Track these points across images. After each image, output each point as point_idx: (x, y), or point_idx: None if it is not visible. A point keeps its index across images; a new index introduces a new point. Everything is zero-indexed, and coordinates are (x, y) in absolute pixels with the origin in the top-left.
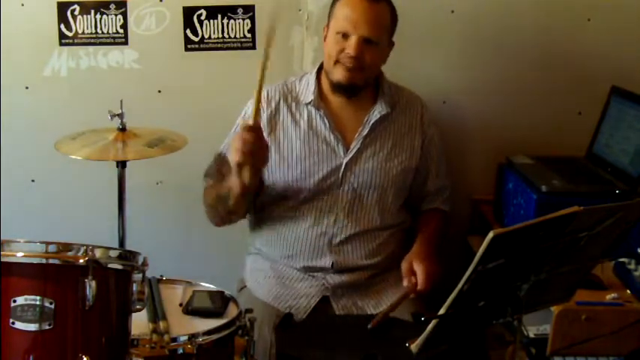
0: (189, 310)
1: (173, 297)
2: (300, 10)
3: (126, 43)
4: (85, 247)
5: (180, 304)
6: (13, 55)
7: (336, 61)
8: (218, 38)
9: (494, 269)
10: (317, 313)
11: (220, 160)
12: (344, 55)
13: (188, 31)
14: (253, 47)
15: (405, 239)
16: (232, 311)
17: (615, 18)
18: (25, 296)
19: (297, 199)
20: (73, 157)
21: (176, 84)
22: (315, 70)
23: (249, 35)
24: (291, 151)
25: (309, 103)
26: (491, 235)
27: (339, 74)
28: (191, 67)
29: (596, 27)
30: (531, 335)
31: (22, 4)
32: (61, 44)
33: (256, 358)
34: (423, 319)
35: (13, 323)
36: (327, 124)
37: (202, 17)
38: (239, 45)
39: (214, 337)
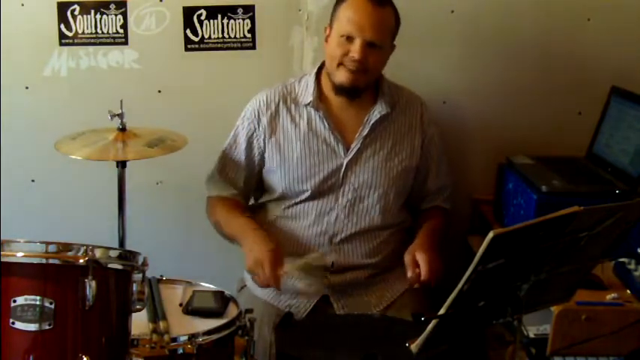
0: (189, 310)
1: (173, 297)
2: (300, 10)
3: (126, 43)
4: (85, 247)
5: (180, 304)
6: (13, 55)
7: (340, 64)
8: (218, 38)
9: (494, 269)
10: (317, 313)
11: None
12: (348, 58)
13: (188, 31)
14: (253, 47)
15: (406, 239)
16: (232, 311)
17: (615, 18)
18: (25, 296)
19: (297, 199)
20: (73, 157)
21: (176, 84)
22: (315, 71)
23: (249, 35)
24: (292, 152)
25: (309, 104)
26: (491, 235)
27: (342, 77)
28: (191, 67)
29: (596, 27)
30: (531, 335)
31: (22, 4)
32: (61, 44)
33: (256, 358)
34: (423, 319)
35: (13, 323)
36: (327, 125)
37: (202, 17)
38: (239, 45)
39: (214, 337)
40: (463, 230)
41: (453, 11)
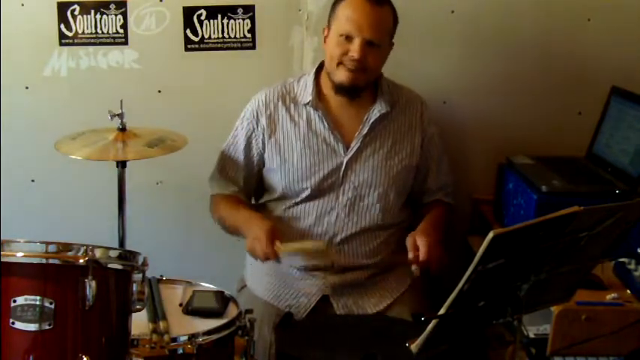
0: (189, 310)
1: (173, 297)
2: (300, 10)
3: (126, 43)
4: (85, 247)
5: (180, 304)
6: (13, 55)
7: (339, 63)
8: (218, 38)
9: (494, 269)
10: (317, 313)
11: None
12: (347, 57)
13: (188, 31)
14: (253, 47)
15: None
16: (232, 311)
17: (615, 18)
18: (25, 296)
19: (298, 198)
20: (73, 157)
21: (176, 84)
22: (314, 70)
23: (249, 35)
24: (292, 151)
25: (308, 103)
26: (491, 235)
27: (342, 76)
28: (191, 67)
29: (596, 27)
30: (531, 335)
31: (22, 4)
32: (61, 44)
33: (256, 358)
34: (423, 319)
35: (13, 323)
36: (326, 124)
37: (202, 17)
38: (239, 45)
39: (214, 337)
40: (463, 230)
41: (453, 11)
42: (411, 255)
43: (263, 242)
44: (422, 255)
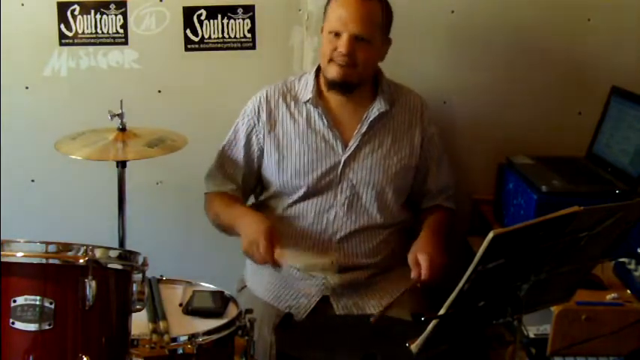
0: (189, 310)
1: (173, 297)
2: (300, 10)
3: (126, 43)
4: (85, 247)
5: (180, 304)
6: (13, 55)
7: (330, 60)
8: (218, 38)
9: (494, 269)
10: (317, 313)
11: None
12: (336, 53)
13: (188, 31)
14: (253, 47)
15: (407, 238)
16: (232, 311)
17: (615, 18)
18: (25, 296)
19: (296, 196)
20: (73, 157)
21: (176, 84)
22: (315, 69)
23: (249, 35)
24: (290, 148)
25: (308, 101)
26: (491, 235)
27: (332, 72)
28: (191, 67)
29: (596, 27)
30: (531, 335)
31: (22, 4)
32: (61, 44)
33: (256, 358)
34: (423, 319)
35: (13, 323)
36: (326, 122)
37: (202, 17)
38: (239, 45)
39: (214, 337)
40: (463, 230)
41: (453, 11)
42: (413, 274)
43: (262, 247)
44: (424, 275)
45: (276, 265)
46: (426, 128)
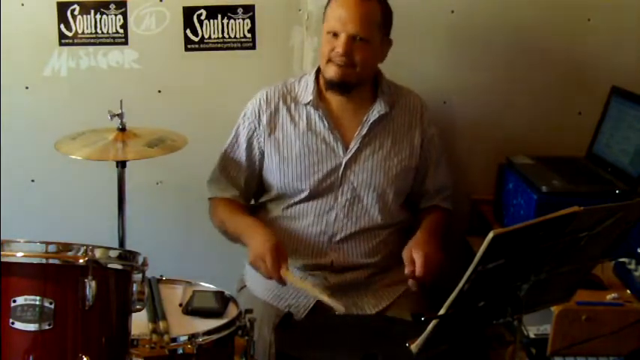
0: (189, 310)
1: (173, 297)
2: (300, 10)
3: (126, 43)
4: (85, 247)
5: (180, 304)
6: (13, 55)
7: (329, 60)
8: (218, 38)
9: (494, 269)
10: (317, 313)
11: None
12: (335, 53)
13: (188, 31)
14: (253, 47)
15: (405, 238)
16: (232, 311)
17: (615, 18)
18: (25, 296)
19: (296, 198)
20: (73, 157)
21: (176, 84)
22: (314, 70)
23: (249, 35)
24: (291, 150)
25: (308, 103)
26: (491, 235)
27: (331, 72)
28: (191, 67)
29: (596, 27)
30: (531, 335)
31: (22, 4)
32: (61, 44)
33: (256, 358)
34: (423, 319)
35: (12, 323)
36: (326, 124)
37: (202, 17)
38: (239, 45)
39: (214, 337)
40: (463, 230)
41: (453, 11)
42: (407, 270)
43: (269, 263)
44: (418, 271)
45: (280, 282)
46: (425, 129)
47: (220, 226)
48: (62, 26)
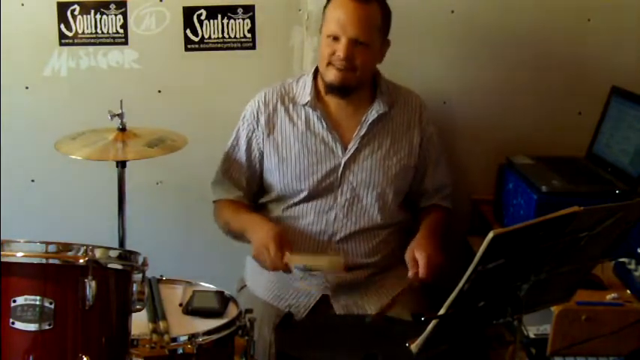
0: (189, 310)
1: (173, 297)
2: (300, 10)
3: (126, 43)
4: (85, 247)
5: (180, 304)
6: (13, 55)
7: (328, 63)
8: (218, 38)
9: (494, 269)
10: (317, 313)
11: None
12: (335, 57)
13: (188, 31)
14: (253, 47)
15: (405, 238)
16: (232, 311)
17: (615, 18)
18: (25, 296)
19: (296, 198)
20: (73, 157)
21: (176, 84)
22: (312, 71)
23: (249, 35)
24: (290, 151)
25: (306, 104)
26: (491, 235)
27: (331, 76)
28: (191, 67)
29: (596, 27)
30: (531, 335)
31: (22, 4)
32: (61, 44)
33: (256, 358)
34: (423, 319)
35: (13, 323)
36: (325, 125)
37: (202, 17)
38: (239, 45)
39: (214, 337)
40: (463, 230)
41: (453, 11)
42: (411, 273)
43: (272, 252)
44: (422, 272)
45: (286, 270)
46: (424, 128)
47: (225, 226)
48: (62, 26)
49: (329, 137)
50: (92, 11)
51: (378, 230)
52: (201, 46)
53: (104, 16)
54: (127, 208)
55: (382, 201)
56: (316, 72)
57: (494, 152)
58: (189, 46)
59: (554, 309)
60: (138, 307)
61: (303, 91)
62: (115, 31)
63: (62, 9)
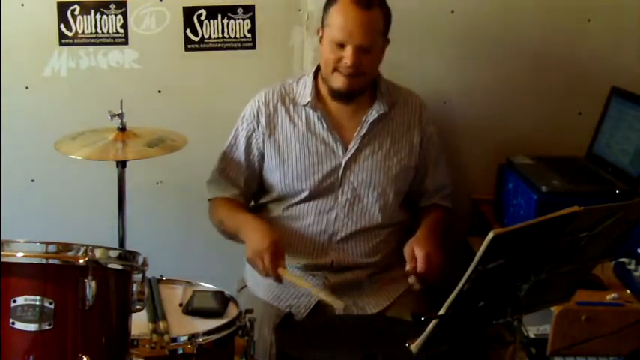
0: (189, 310)
1: (173, 297)
2: (300, 10)
3: (126, 43)
4: (85, 247)
5: (180, 304)
6: (13, 55)
7: (334, 69)
8: (218, 38)
9: (494, 269)
10: (317, 313)
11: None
12: (342, 64)
13: (188, 31)
14: (253, 47)
15: (406, 238)
16: (232, 311)
17: (615, 18)
18: (25, 296)
19: (296, 199)
20: (73, 157)
21: (176, 84)
22: (312, 71)
23: (249, 35)
24: (290, 152)
25: (307, 104)
26: (491, 235)
27: (338, 82)
28: (191, 67)
29: (596, 27)
30: (531, 335)
31: (22, 4)
32: (61, 44)
33: (256, 358)
34: (423, 319)
35: (13, 323)
36: (325, 125)
37: (202, 17)
38: (239, 45)
39: (214, 337)
40: (463, 230)
41: (453, 11)
42: (409, 267)
43: (267, 261)
44: (420, 267)
45: (277, 279)
46: (424, 128)
47: (219, 224)
48: (62, 26)
49: (329, 137)
50: (92, 11)
51: (378, 230)
52: (201, 46)
53: (104, 16)
54: (127, 208)
55: (383, 201)
56: (316, 72)
57: (494, 152)
58: (189, 46)
59: (554, 309)
60: (138, 307)
61: (304, 92)
62: (115, 31)
63: (62, 9)
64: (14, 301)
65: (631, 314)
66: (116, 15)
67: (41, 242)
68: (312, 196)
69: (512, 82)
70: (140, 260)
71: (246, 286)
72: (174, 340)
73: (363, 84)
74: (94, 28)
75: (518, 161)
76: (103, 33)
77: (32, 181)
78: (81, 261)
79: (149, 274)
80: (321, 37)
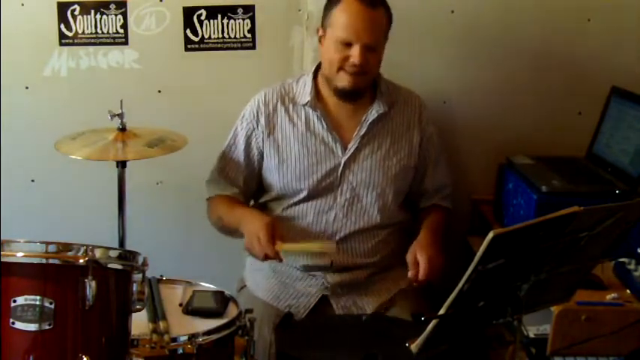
0: (189, 310)
1: (173, 297)
2: (300, 10)
3: (126, 43)
4: (85, 247)
5: (180, 304)
6: (13, 55)
7: (340, 69)
8: (218, 38)
9: (494, 269)
10: (317, 313)
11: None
12: (349, 63)
13: (188, 31)
14: (253, 47)
15: (405, 238)
16: (232, 311)
17: (615, 18)
18: (25, 296)
19: (296, 198)
20: (73, 157)
21: (176, 84)
22: (312, 71)
23: (249, 35)
24: (290, 151)
25: (306, 104)
26: (491, 235)
27: (344, 81)
28: (191, 67)
29: (596, 27)
30: (531, 335)
31: (22, 4)
32: (61, 44)
33: (256, 358)
34: (423, 319)
35: (13, 323)
36: (325, 125)
37: (202, 17)
38: (239, 45)
39: (214, 337)
40: (463, 230)
41: (453, 11)
42: (411, 274)
43: (263, 240)
44: (422, 274)
45: (277, 258)
46: (424, 128)
47: (218, 221)
48: (62, 26)
49: (329, 137)
50: (92, 11)
51: (377, 230)
52: (201, 46)
53: (104, 16)
54: (127, 208)
55: (382, 201)
56: (316, 72)
57: (494, 152)
58: (189, 46)
59: (554, 309)
60: (138, 307)
61: (303, 91)
62: (115, 31)
63: (62, 9)
64: (14, 301)
65: (631, 314)
66: (116, 15)
67: (41, 242)
68: (311, 195)
69: (512, 82)
70: (140, 260)
71: (246, 286)
72: (174, 340)
73: (367, 83)
74: (94, 28)
75: (518, 161)
76: (103, 33)
77: (32, 181)
78: (81, 261)
79: (149, 274)
80: (321, 37)
